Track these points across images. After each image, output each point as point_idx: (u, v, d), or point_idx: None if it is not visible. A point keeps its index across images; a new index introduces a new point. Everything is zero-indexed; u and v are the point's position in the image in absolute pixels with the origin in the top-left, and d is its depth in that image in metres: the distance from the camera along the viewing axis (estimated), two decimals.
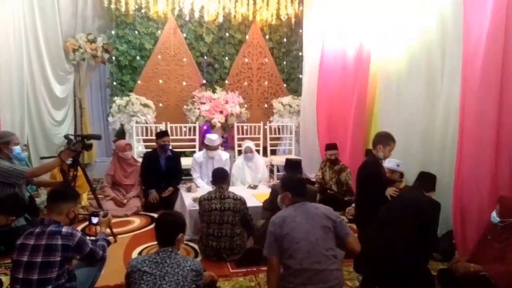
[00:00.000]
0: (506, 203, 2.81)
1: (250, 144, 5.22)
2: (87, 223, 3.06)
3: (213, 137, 5.08)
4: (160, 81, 6.69)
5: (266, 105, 7.37)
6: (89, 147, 3.77)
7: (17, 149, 3.72)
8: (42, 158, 4.57)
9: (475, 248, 3.03)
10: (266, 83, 7.33)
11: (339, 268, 2.44)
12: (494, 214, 2.85)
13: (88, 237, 2.47)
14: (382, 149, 3.62)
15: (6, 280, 2.91)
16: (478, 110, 3.23)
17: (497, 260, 2.73)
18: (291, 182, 2.74)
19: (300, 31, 6.96)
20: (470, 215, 3.34)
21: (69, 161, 3.68)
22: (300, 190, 2.66)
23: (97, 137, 4.03)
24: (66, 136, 3.73)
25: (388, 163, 3.91)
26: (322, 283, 2.30)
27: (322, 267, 2.32)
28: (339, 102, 5.54)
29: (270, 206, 3.69)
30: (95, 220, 2.80)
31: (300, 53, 7.01)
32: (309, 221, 2.43)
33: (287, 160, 4.23)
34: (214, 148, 5.05)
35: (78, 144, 3.63)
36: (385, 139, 3.65)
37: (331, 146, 5.16)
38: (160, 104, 6.69)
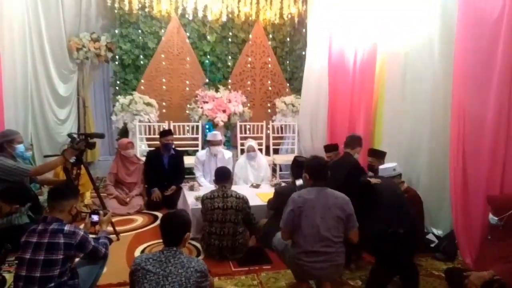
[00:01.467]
0: (495, 202, 2.88)
1: (252, 143, 5.22)
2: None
3: (215, 132, 5.16)
4: (163, 80, 6.70)
5: (269, 104, 7.37)
6: (92, 146, 3.78)
7: (20, 147, 3.72)
8: (45, 156, 4.59)
9: (478, 251, 3.02)
10: (269, 82, 7.32)
11: (344, 251, 2.73)
12: (490, 215, 2.86)
13: (90, 235, 2.49)
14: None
15: (9, 277, 2.93)
16: (475, 110, 3.22)
17: (501, 259, 2.71)
18: (313, 165, 2.87)
19: (304, 30, 6.95)
20: (470, 215, 3.33)
21: (72, 159, 3.70)
22: (321, 174, 2.80)
23: (101, 136, 4.04)
24: (69, 135, 3.75)
25: (383, 172, 3.65)
26: (329, 262, 2.65)
27: (330, 250, 2.64)
28: (347, 100, 5.52)
29: (274, 207, 3.70)
30: (95, 218, 2.81)
31: (303, 53, 7.00)
32: (326, 210, 2.66)
33: (295, 159, 4.10)
34: (217, 144, 5.07)
35: (82, 143, 3.65)
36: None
37: (331, 148, 5.13)
38: (164, 103, 6.71)
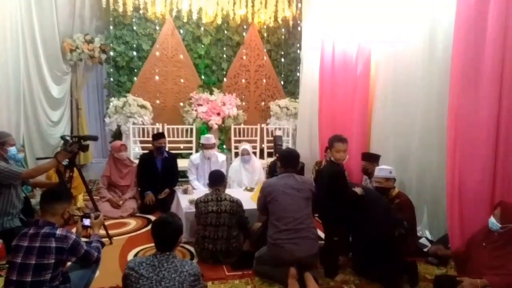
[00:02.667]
0: (507, 209, 2.73)
1: (247, 146, 5.21)
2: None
3: (209, 136, 5.13)
4: (158, 82, 6.68)
5: (263, 107, 7.37)
6: (85, 148, 3.74)
7: (13, 150, 3.67)
8: (38, 159, 4.55)
9: (466, 250, 2.98)
10: (263, 85, 7.33)
11: (315, 226, 3.19)
12: (493, 220, 2.74)
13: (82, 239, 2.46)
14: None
15: (0, 282, 2.89)
16: (471, 110, 3.24)
17: (495, 269, 2.64)
18: (285, 155, 3.39)
19: (298, 33, 6.97)
20: (465, 219, 3.34)
21: (65, 162, 3.66)
22: (291, 163, 3.29)
23: (94, 138, 4.01)
24: (62, 137, 3.71)
25: (380, 172, 3.76)
26: (303, 237, 3.04)
27: (303, 226, 3.06)
28: (341, 103, 5.54)
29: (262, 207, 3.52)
30: (86, 222, 2.78)
31: (298, 55, 7.02)
32: (295, 192, 3.12)
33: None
34: (210, 147, 5.05)
35: (75, 145, 3.60)
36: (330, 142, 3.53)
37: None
38: (157, 101, 6.70)
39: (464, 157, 3.32)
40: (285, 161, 3.32)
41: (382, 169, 3.78)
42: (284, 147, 7.01)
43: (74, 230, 2.68)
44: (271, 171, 4.93)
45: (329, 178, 3.32)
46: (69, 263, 2.47)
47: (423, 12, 3.97)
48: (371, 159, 4.40)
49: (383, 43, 4.63)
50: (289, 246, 3.01)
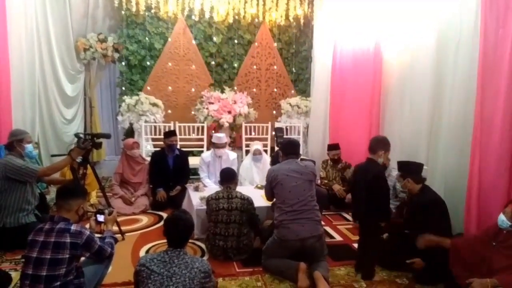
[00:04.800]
0: None
1: (259, 146, 5.23)
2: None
3: (220, 135, 5.14)
4: (169, 80, 6.74)
5: (274, 105, 7.38)
6: (99, 146, 3.81)
7: (29, 147, 3.75)
8: (53, 155, 4.64)
9: (467, 246, 2.92)
10: (274, 83, 7.34)
11: (318, 208, 3.31)
12: (503, 217, 2.70)
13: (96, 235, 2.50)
14: (383, 154, 3.58)
15: (16, 275, 2.96)
16: (496, 115, 3.22)
17: (507, 269, 2.61)
18: (285, 144, 3.58)
19: (309, 32, 6.96)
20: (483, 218, 3.32)
21: (79, 159, 3.73)
22: (292, 150, 3.46)
23: (107, 136, 4.07)
24: (76, 135, 3.78)
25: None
26: (307, 218, 3.17)
27: (307, 208, 3.20)
28: (353, 101, 5.53)
29: (268, 192, 3.51)
30: (100, 218, 2.83)
31: (309, 54, 7.00)
32: (299, 175, 3.26)
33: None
34: (222, 146, 5.08)
35: (88, 143, 3.67)
36: (387, 145, 3.66)
37: (333, 146, 5.29)
38: (169, 99, 6.74)
39: (486, 157, 3.30)
40: (286, 149, 3.50)
41: None
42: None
43: (87, 226, 2.73)
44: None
45: (378, 179, 3.33)
46: (82, 258, 2.51)
47: (434, 10, 3.94)
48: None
49: (395, 41, 4.60)
50: (294, 226, 3.14)
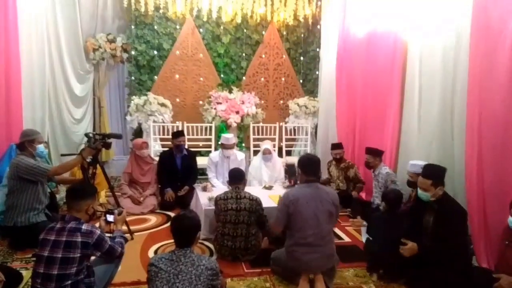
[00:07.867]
0: None
1: (268, 146, 5.23)
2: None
3: (229, 136, 5.15)
4: (178, 80, 6.76)
5: (282, 106, 7.37)
6: (109, 146, 3.85)
7: (40, 147, 3.78)
8: (62, 155, 4.69)
9: (499, 257, 2.95)
10: (282, 83, 7.34)
11: (334, 242, 3.06)
12: (511, 218, 2.72)
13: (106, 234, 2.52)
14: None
15: (27, 274, 2.99)
16: (497, 112, 3.17)
17: None
18: (304, 162, 3.10)
19: (318, 32, 6.94)
20: (488, 219, 3.29)
21: (88, 158, 3.76)
22: (312, 169, 3.03)
23: (118, 136, 4.12)
24: (86, 134, 3.81)
25: (412, 168, 3.82)
26: (320, 253, 2.91)
27: (323, 243, 2.91)
28: (359, 102, 5.49)
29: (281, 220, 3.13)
30: (110, 218, 2.85)
31: (317, 54, 6.99)
32: (319, 205, 2.90)
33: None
34: (230, 147, 5.09)
35: (99, 142, 3.71)
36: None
37: (336, 146, 5.30)
38: (177, 99, 6.78)
39: (485, 156, 3.26)
40: (305, 167, 3.05)
41: (414, 165, 3.83)
42: (301, 145, 7.04)
43: (97, 225, 2.75)
44: (290, 172, 4.95)
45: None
46: (93, 258, 2.53)
47: (444, 13, 3.90)
48: (374, 153, 4.56)
49: (405, 40, 4.56)
50: (306, 259, 2.90)
